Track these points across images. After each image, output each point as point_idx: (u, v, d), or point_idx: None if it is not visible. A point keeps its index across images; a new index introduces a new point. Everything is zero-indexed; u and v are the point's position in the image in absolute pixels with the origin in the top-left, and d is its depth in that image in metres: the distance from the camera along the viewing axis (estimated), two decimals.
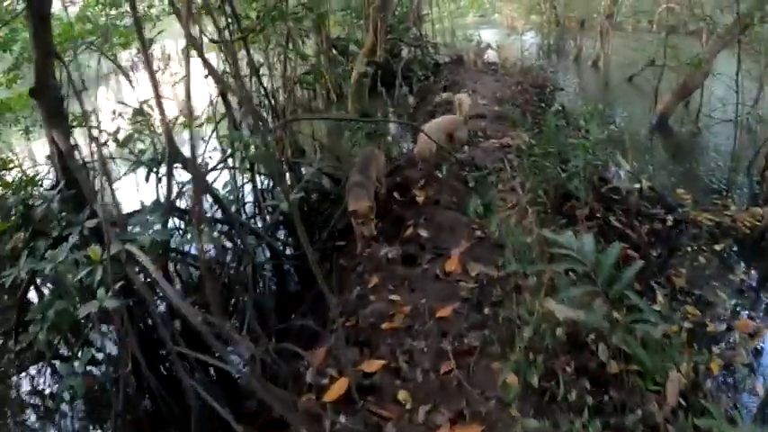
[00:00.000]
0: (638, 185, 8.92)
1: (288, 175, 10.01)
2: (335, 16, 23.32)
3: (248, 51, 9.64)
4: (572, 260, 4.42)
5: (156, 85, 5.57)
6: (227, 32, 9.73)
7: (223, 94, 7.96)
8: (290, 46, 12.40)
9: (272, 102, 10.53)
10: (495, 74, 18.94)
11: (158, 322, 5.54)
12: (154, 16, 13.85)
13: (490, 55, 21.77)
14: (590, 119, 9.38)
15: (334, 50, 22.00)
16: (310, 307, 7.32)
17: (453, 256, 6.52)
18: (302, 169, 10.43)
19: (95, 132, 7.80)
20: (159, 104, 5.71)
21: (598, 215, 7.95)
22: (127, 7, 12.12)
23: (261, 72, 10.80)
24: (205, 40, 10.37)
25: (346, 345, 5.26)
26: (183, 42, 11.78)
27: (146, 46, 5.85)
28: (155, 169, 7.17)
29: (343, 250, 8.31)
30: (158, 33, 12.31)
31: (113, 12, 12.85)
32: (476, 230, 7.12)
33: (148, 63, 5.89)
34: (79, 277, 5.49)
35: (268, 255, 8.79)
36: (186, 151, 5.81)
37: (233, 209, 8.15)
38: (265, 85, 10.92)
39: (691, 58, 13.99)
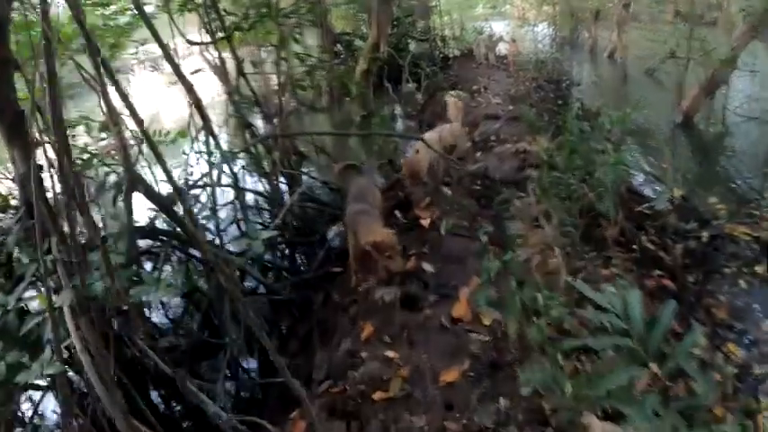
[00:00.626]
0: (668, 195, 7.95)
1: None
2: (339, 10, 22.45)
3: (233, 51, 8.78)
4: (611, 321, 3.49)
5: (125, 97, 4.62)
6: (213, 31, 8.97)
7: (198, 105, 7.00)
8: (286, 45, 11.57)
9: (263, 106, 9.58)
10: (508, 68, 17.88)
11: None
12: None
13: (502, 48, 20.67)
14: (617, 123, 8.37)
15: (338, 46, 21.09)
16: (300, 348, 6.39)
17: (462, 299, 5.46)
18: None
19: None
20: (116, 123, 4.85)
21: (629, 237, 6.97)
22: (119, 6, 11.49)
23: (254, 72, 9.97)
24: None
25: (330, 416, 4.34)
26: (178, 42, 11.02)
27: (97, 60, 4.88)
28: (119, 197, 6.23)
29: (338, 279, 7.29)
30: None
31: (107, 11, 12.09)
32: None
33: (109, 73, 4.92)
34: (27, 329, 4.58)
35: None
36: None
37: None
38: (258, 87, 10.11)
39: (723, 53, 12.96)
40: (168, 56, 6.41)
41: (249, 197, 9.32)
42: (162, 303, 7.58)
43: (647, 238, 7.16)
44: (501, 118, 11.51)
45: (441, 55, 21.85)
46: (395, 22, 20.71)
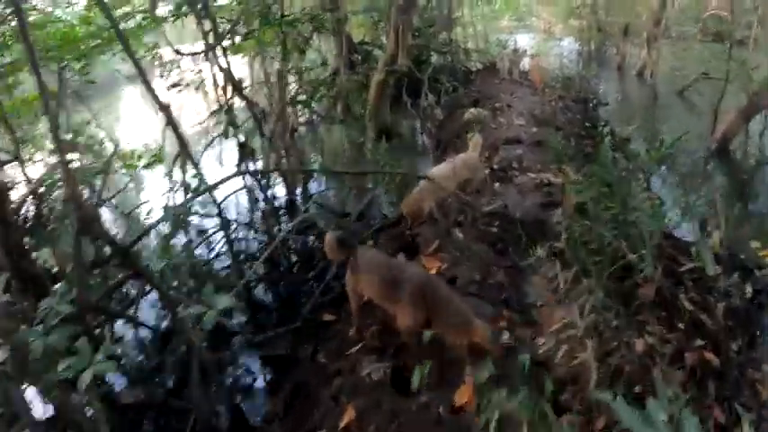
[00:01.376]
0: (708, 240, 6.96)
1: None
2: (358, 18, 21.63)
3: (227, 62, 7.96)
4: None
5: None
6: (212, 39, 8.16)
7: (174, 126, 6.16)
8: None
9: (265, 122, 8.74)
10: (533, 85, 16.93)
11: None
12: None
13: (527, 63, 19.73)
14: (654, 158, 7.43)
15: (355, 55, 20.25)
16: (284, 409, 5.48)
17: (468, 381, 4.38)
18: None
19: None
20: (61, 151, 4.02)
21: (666, 295, 5.99)
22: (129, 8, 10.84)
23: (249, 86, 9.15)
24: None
25: None
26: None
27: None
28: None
29: (329, 331, 6.34)
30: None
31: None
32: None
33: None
34: None
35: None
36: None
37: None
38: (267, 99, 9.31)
39: (764, 75, 12.02)
40: (139, 69, 5.64)
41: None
42: None
43: (686, 295, 6.18)
44: (523, 142, 10.58)
45: (462, 68, 20.95)
46: (415, 33, 19.86)
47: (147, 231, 5.23)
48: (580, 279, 5.02)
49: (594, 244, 5.68)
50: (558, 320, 4.51)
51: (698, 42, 25.13)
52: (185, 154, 6.38)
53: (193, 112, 9.16)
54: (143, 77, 5.66)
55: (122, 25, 11.85)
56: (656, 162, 7.25)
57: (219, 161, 8.98)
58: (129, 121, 20.93)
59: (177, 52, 8.31)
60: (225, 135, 8.03)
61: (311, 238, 9.10)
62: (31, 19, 11.62)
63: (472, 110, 13.16)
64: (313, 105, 11.77)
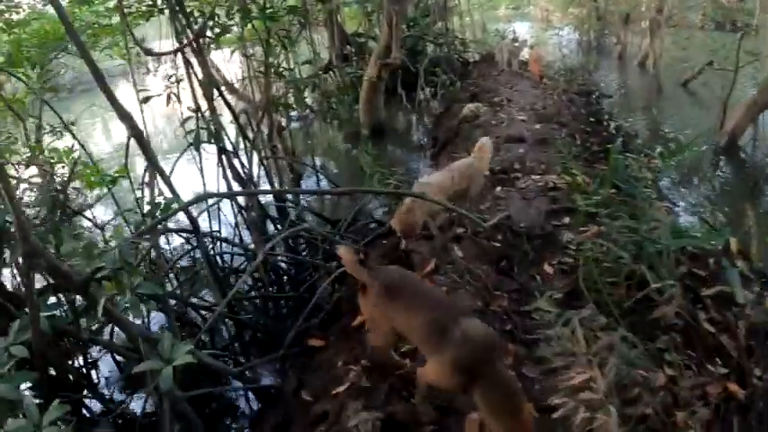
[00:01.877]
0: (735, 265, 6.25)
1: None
2: (352, 10, 20.95)
3: (204, 60, 7.27)
4: None
5: None
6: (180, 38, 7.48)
7: (137, 136, 5.46)
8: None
9: (247, 124, 8.07)
10: (533, 77, 16.20)
11: None
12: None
13: (526, 53, 18.96)
14: (669, 159, 6.78)
15: (348, 47, 19.56)
16: None
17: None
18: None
19: None
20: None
21: (684, 316, 5.29)
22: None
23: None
24: None
25: None
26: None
27: None
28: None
29: (316, 360, 5.61)
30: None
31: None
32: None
33: None
34: None
35: None
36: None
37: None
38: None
39: None
40: (96, 73, 4.98)
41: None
42: None
43: (705, 315, 5.50)
44: (526, 140, 9.88)
45: (460, 59, 20.28)
46: (410, 24, 19.18)
47: (99, 269, 4.54)
48: (596, 313, 4.35)
49: (608, 261, 5.05)
50: (575, 371, 3.83)
51: (700, 30, 24.47)
52: (152, 168, 5.69)
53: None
54: (101, 83, 5.00)
55: (111, 20, 11.40)
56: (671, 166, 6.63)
57: (200, 169, 8.21)
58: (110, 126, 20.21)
59: (147, 52, 7.50)
60: (196, 146, 7.25)
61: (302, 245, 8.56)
62: (19, 16, 11.47)
63: (470, 105, 12.49)
64: (295, 108, 10.94)
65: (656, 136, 13.24)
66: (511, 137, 9.99)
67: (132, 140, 5.65)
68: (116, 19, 11.37)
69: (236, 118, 7.85)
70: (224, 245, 7.83)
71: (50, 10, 12.90)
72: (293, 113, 15.91)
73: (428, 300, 3.95)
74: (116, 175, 7.92)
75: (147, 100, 7.38)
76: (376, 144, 14.87)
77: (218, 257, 7.75)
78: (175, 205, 5.52)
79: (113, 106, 5.21)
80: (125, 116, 5.26)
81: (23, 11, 13.32)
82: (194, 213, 6.92)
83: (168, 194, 6.07)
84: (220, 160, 7.58)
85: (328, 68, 19.74)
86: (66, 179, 8.05)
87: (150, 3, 7.80)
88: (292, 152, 12.36)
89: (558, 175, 7.98)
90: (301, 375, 5.51)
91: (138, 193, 6.67)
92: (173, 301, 6.22)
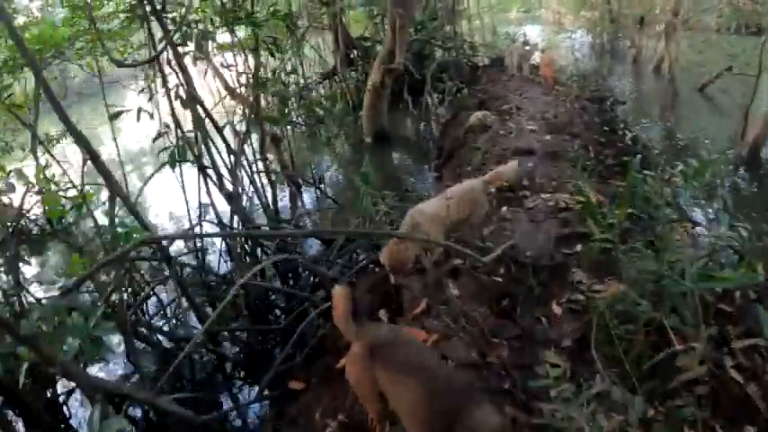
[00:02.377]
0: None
1: None
2: (356, 12, 20.35)
3: (181, 67, 6.62)
4: None
5: None
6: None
7: (93, 156, 4.83)
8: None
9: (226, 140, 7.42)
10: (544, 82, 15.50)
11: None
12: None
13: (537, 58, 18.22)
14: (692, 179, 6.07)
15: (353, 51, 18.95)
16: None
17: None
18: None
19: None
20: None
21: (708, 363, 4.56)
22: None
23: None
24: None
25: None
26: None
27: None
28: None
29: (296, 406, 5.00)
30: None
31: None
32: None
33: None
34: None
35: None
36: None
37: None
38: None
39: None
40: (45, 88, 4.39)
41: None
42: None
43: (732, 361, 4.78)
44: (536, 153, 9.17)
45: (468, 64, 19.60)
46: (417, 27, 18.55)
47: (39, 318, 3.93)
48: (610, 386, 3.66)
49: (625, 306, 4.36)
50: None
51: (716, 33, 23.74)
52: (113, 191, 5.04)
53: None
54: (49, 96, 4.41)
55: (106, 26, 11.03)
56: (690, 185, 5.94)
57: (182, 186, 7.61)
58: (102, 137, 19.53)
59: (119, 64, 6.81)
60: (171, 164, 6.61)
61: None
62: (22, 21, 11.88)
63: (478, 113, 11.77)
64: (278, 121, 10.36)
65: (673, 148, 12.46)
66: (520, 149, 9.29)
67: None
68: (114, 24, 11.05)
69: (218, 130, 7.20)
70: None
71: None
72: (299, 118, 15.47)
73: (425, 373, 3.19)
74: (75, 203, 7.35)
75: (116, 116, 6.74)
76: (379, 152, 14.29)
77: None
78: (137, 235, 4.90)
79: (67, 127, 4.61)
80: (79, 138, 4.65)
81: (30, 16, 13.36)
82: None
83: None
84: (200, 178, 6.99)
85: (332, 74, 19.19)
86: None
87: (128, 9, 7.14)
88: (291, 163, 11.75)
89: (569, 194, 7.27)
90: (277, 425, 4.89)
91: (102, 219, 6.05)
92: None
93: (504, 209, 7.16)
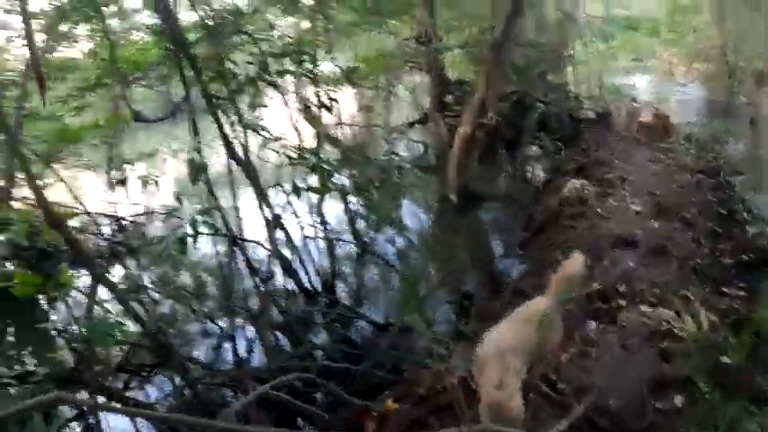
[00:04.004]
0: None
1: None
2: (455, 54, 19.32)
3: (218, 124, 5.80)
4: None
5: None
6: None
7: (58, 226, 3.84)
8: None
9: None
10: (654, 145, 13.97)
11: None
12: None
13: (647, 115, 16.61)
14: None
15: (448, 96, 17.89)
16: None
17: None
18: None
19: None
20: None
21: None
22: None
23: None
24: None
25: None
26: None
27: None
28: None
29: None
30: None
31: None
32: None
33: None
34: None
35: None
36: None
37: None
38: None
39: None
40: None
41: None
42: None
43: None
44: (638, 245, 7.75)
45: (571, 116, 18.16)
46: (517, 73, 17.22)
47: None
48: None
49: None
50: None
51: None
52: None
53: None
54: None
55: None
56: None
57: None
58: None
59: (137, 118, 6.06)
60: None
61: None
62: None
63: (575, 182, 10.35)
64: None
65: None
66: (619, 239, 7.88)
67: None
68: None
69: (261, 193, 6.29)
70: None
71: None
72: None
73: None
74: None
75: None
76: (462, 214, 13.11)
77: None
78: None
79: None
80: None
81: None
82: None
83: None
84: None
85: (423, 119, 18.28)
86: None
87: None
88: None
89: (677, 314, 5.89)
90: None
91: None
92: None
93: (592, 325, 5.86)
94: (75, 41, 13.93)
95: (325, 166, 7.47)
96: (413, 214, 13.81)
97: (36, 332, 7.98)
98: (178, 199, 11.09)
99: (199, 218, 6.26)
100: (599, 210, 9.32)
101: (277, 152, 8.11)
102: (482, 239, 12.62)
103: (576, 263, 5.05)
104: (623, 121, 15.81)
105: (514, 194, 14.01)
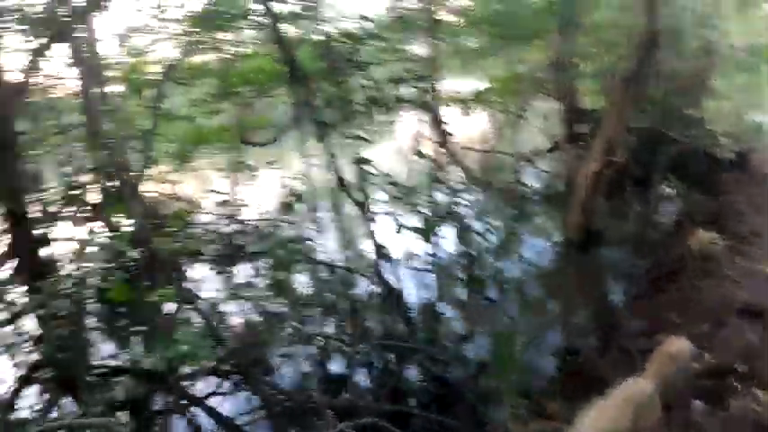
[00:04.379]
0: None
1: None
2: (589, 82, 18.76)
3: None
4: None
5: None
6: None
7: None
8: None
9: None
10: None
11: None
12: None
13: None
14: None
15: (580, 126, 17.42)
16: None
17: None
18: None
19: None
20: None
21: None
22: None
23: None
24: None
25: None
26: None
27: None
28: None
29: None
30: None
31: None
32: None
33: None
34: None
35: None
36: None
37: None
38: None
39: None
40: None
41: None
42: None
43: None
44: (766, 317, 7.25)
45: (707, 155, 17.07)
46: (652, 105, 16.38)
47: None
48: None
49: None
50: None
51: None
52: None
53: None
54: None
55: None
56: None
57: None
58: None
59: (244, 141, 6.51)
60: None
61: None
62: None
63: (704, 234, 9.78)
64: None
65: None
66: (746, 308, 7.35)
67: None
68: None
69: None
70: None
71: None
72: None
73: None
74: None
75: None
76: (582, 259, 12.61)
77: None
78: None
79: None
80: None
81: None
82: None
83: None
84: None
85: (554, 148, 17.87)
86: None
87: None
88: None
89: None
90: None
91: None
92: None
93: (699, 406, 5.50)
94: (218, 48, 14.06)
95: (429, 214, 7.55)
96: (531, 247, 13.49)
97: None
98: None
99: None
100: (726, 269, 8.78)
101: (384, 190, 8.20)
102: (599, 287, 11.92)
103: (680, 345, 4.86)
104: (764, 165, 14.85)
105: (640, 239, 13.29)
